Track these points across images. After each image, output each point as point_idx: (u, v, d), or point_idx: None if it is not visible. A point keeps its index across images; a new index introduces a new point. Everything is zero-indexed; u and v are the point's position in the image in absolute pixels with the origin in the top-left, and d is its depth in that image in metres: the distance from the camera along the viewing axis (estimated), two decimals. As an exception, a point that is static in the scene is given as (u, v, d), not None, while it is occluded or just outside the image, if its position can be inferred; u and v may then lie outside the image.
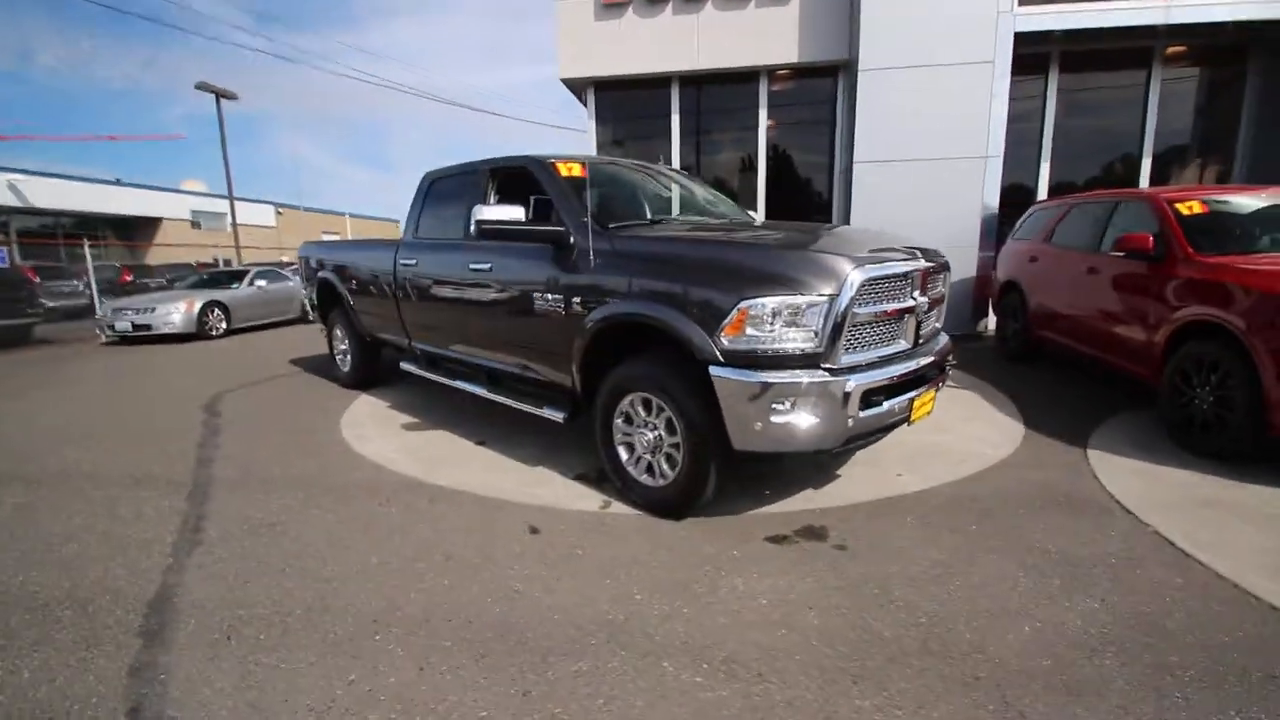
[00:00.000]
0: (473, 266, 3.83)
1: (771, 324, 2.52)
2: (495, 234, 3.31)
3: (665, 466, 2.95)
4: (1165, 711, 1.70)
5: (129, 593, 2.36)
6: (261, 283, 11.25)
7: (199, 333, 9.65)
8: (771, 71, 8.59)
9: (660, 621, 2.16)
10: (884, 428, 2.84)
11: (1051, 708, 1.73)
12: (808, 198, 9.04)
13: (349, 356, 5.72)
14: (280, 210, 34.87)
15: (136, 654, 2.01)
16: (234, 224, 19.85)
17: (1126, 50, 7.89)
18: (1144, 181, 8.16)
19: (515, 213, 3.32)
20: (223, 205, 32.82)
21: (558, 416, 3.44)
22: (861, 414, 2.63)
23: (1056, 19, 7.32)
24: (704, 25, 8.28)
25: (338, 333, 5.87)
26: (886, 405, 2.72)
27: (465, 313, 4.01)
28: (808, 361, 2.55)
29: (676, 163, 9.07)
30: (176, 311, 9.44)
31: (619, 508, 3.10)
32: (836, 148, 8.66)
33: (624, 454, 3.13)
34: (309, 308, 6.40)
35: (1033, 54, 7.76)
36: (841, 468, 3.55)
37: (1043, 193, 8.29)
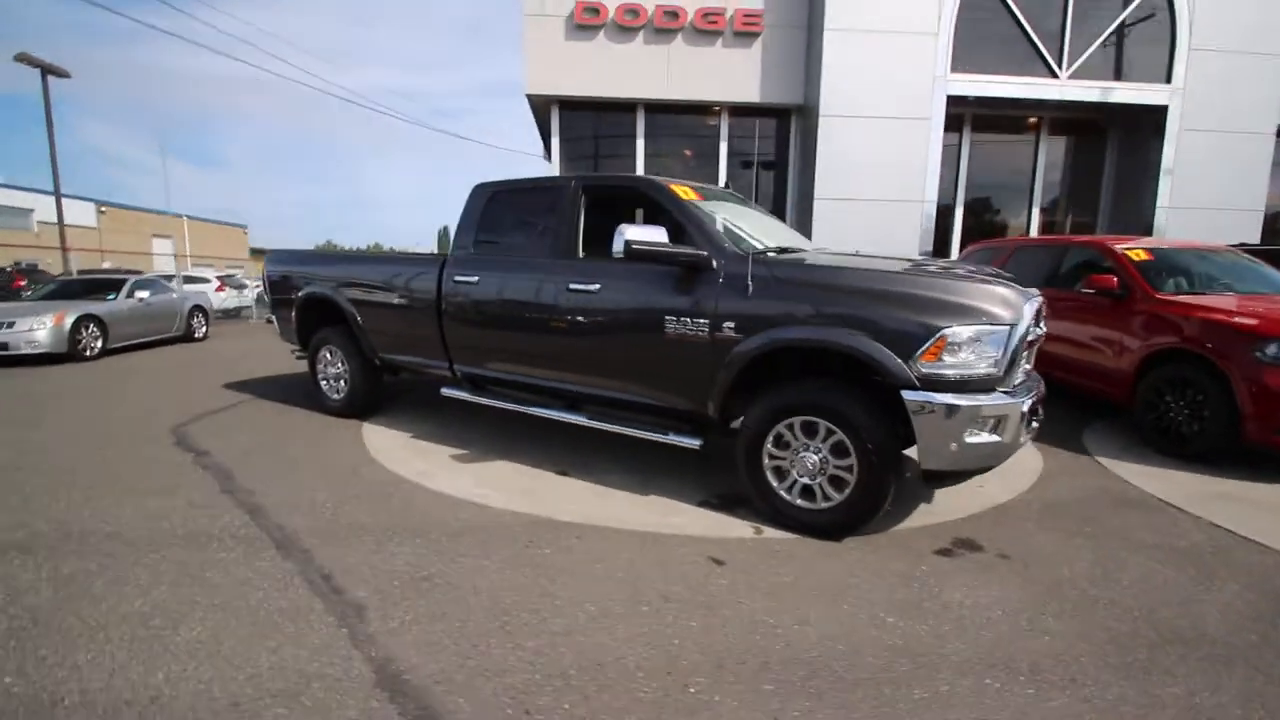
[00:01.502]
0: (573, 287, 3.65)
1: (965, 351, 2.71)
2: (640, 256, 3.20)
3: (830, 489, 3.01)
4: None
5: (341, 679, 1.95)
6: (143, 294, 9.58)
7: (70, 353, 7.98)
8: (733, 108, 9.06)
9: (935, 641, 2.22)
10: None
11: (1310, 678, 2.04)
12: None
13: (346, 381, 5.09)
14: (103, 209, 29.76)
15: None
16: (61, 223, 16.62)
17: (1022, 118, 9.38)
18: (1033, 228, 9.68)
19: (660, 235, 3.25)
20: (23, 199, 27.45)
21: (693, 443, 3.37)
22: (1024, 433, 2.91)
23: (976, 86, 8.52)
24: (674, 56, 8.55)
25: (327, 355, 5.21)
26: (1035, 424, 3.02)
27: (553, 335, 3.79)
28: (990, 385, 2.78)
29: (640, 187, 9.17)
30: (43, 327, 7.75)
31: (772, 532, 3.11)
32: (789, 184, 9.30)
33: (773, 479, 3.15)
34: (284, 330, 5.59)
35: (953, 114, 8.95)
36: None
37: (957, 233, 9.51)
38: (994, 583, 2.66)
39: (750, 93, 8.74)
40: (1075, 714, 1.86)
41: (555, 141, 9.05)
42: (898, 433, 2.89)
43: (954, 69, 8.34)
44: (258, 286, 17.96)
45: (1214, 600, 2.54)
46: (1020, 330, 2.79)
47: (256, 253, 39.06)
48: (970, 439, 2.72)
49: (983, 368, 2.74)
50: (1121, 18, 8.38)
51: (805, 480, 3.07)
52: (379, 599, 2.41)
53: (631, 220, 4.06)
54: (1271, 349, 3.97)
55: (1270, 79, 8.57)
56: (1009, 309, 2.79)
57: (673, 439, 3.43)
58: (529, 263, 3.94)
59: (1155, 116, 8.68)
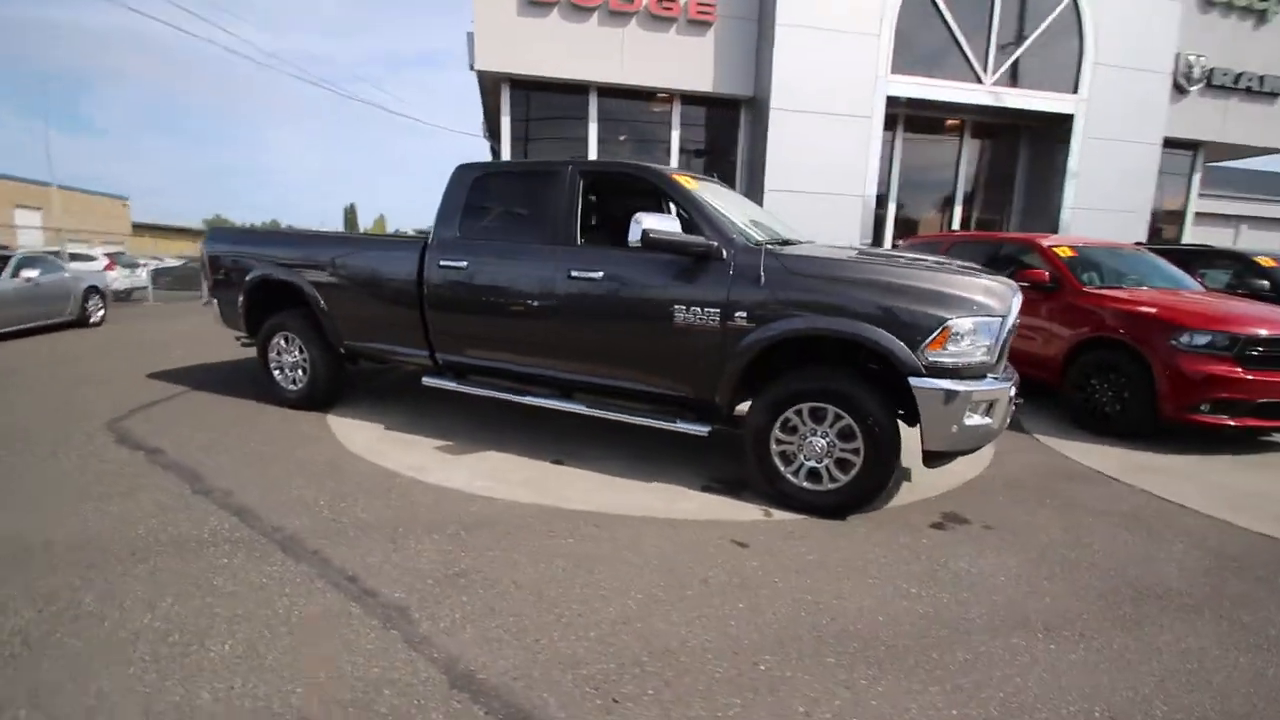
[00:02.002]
0: (575, 274, 3.60)
1: (965, 340, 2.93)
2: (657, 245, 3.20)
3: (837, 471, 3.18)
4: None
5: (412, 683, 1.88)
6: (30, 273, 8.47)
7: (-57, 340, 6.97)
8: (684, 96, 9.11)
9: (959, 607, 2.42)
10: (999, 426, 3.44)
11: (1248, 584, 2.39)
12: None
13: (306, 371, 4.77)
14: (-53, 173, 25.78)
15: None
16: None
17: (948, 119, 10.02)
18: (956, 222, 10.41)
19: (675, 224, 3.26)
20: None
21: (701, 430, 3.44)
22: (1008, 417, 3.18)
23: (911, 88, 9.01)
24: (628, 40, 8.48)
25: (281, 343, 4.85)
26: (1013, 408, 3.31)
27: (550, 322, 3.73)
28: (984, 371, 3.01)
29: (593, 172, 9.07)
30: (-91, 311, 6.70)
31: (780, 514, 3.24)
32: (738, 174, 9.49)
33: (780, 464, 3.28)
34: (227, 315, 5.14)
35: (889, 114, 9.43)
36: (910, 462, 4.10)
37: (890, 226, 10.07)
38: (988, 552, 2.91)
39: (703, 82, 8.82)
40: (1093, 664, 2.10)
41: (506, 120, 8.76)
42: (897, 416, 3.09)
43: (893, 70, 8.78)
44: (150, 265, 16.30)
45: (1168, 558, 2.91)
46: (1009, 321, 3.04)
47: (140, 228, 35.34)
48: (969, 422, 2.95)
49: (978, 356, 2.97)
50: (1037, 32, 9.11)
51: (812, 464, 3.21)
52: (418, 599, 2.32)
53: (628, 207, 4.04)
54: (1185, 337, 4.52)
55: (1157, 93, 9.63)
56: (1000, 301, 3.03)
57: (680, 426, 3.48)
58: (524, 248, 3.83)
59: (1063, 124, 9.54)
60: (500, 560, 2.64)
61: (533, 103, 8.94)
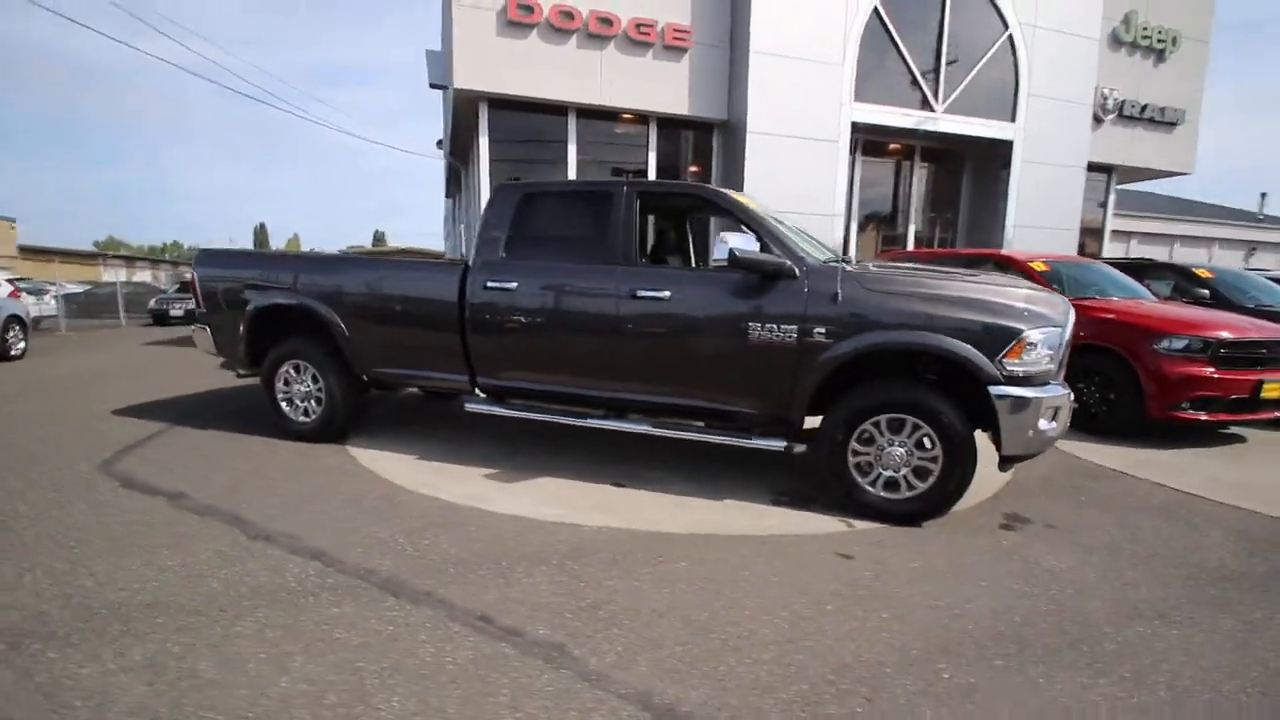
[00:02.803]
0: (641, 294, 3.58)
1: (1037, 350, 3.12)
2: (742, 265, 3.24)
3: (915, 480, 3.29)
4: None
5: None
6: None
7: None
8: (661, 118, 9.27)
9: (1077, 601, 2.55)
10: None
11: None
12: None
13: (322, 401, 4.47)
14: None
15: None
16: None
17: (902, 144, 10.68)
18: (910, 240, 11.06)
19: (754, 244, 3.31)
20: None
21: (778, 446, 3.47)
22: (1068, 422, 3.40)
23: (871, 114, 9.55)
24: (607, 63, 8.56)
25: (291, 372, 4.53)
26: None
27: (612, 343, 3.68)
28: (1049, 379, 3.22)
29: (573, 192, 9.05)
30: None
31: (861, 524, 3.31)
32: (713, 193, 9.71)
33: (856, 475, 3.36)
34: (221, 345, 4.75)
35: (851, 138, 9.95)
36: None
37: (852, 245, 10.57)
38: (1063, 549, 3.08)
39: (679, 105, 9.01)
40: (1217, 645, 2.26)
41: (484, 140, 8.60)
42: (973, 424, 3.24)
43: (855, 98, 9.29)
44: (58, 290, 14.79)
45: (1212, 544, 3.18)
46: (1068, 332, 3.27)
47: (27, 251, 32.00)
48: (1041, 426, 3.13)
49: (1044, 364, 3.17)
50: (979, 64, 9.90)
51: (889, 473, 3.31)
52: (567, 635, 2.21)
53: (677, 227, 4.07)
54: (1166, 342, 4.99)
55: (1081, 122, 10.66)
56: (1061, 314, 3.25)
57: (756, 442, 3.50)
58: (582, 269, 3.77)
59: (1004, 149, 10.38)
60: (624, 589, 2.56)
61: (511, 123, 8.84)
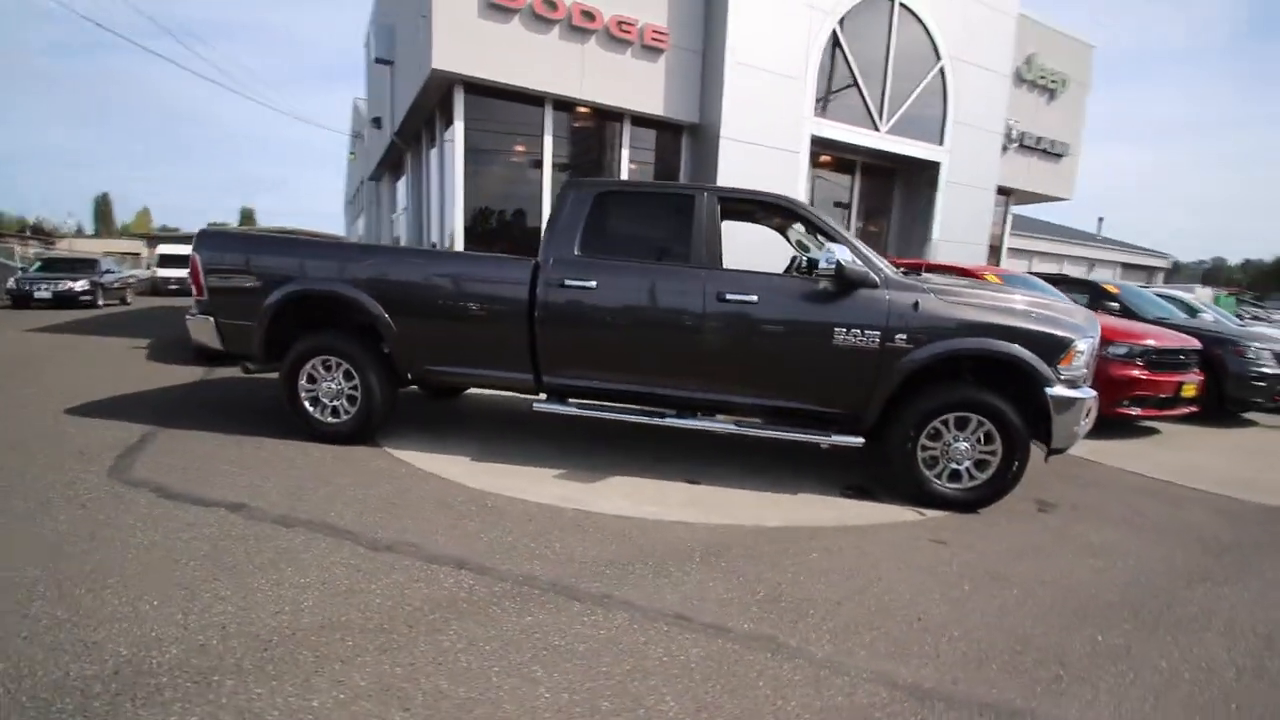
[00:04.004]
0: (730, 297, 3.70)
1: (1082, 357, 3.61)
2: (841, 274, 3.45)
3: (976, 471, 3.68)
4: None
5: (890, 706, 1.93)
6: None
7: None
8: (635, 117, 9.32)
9: (1144, 571, 3.01)
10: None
11: (1265, 531, 3.32)
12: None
13: (357, 400, 4.17)
14: None
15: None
16: None
17: (844, 159, 11.45)
18: (851, 249, 11.88)
19: (850, 255, 3.52)
20: None
21: (856, 442, 3.72)
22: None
23: (826, 129, 10.17)
24: (588, 57, 8.48)
25: (319, 369, 4.19)
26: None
27: (696, 343, 3.76)
28: (1083, 382, 3.72)
29: (548, 186, 8.91)
30: None
31: (930, 512, 3.65)
32: (681, 194, 9.92)
33: (925, 468, 3.70)
34: (230, 337, 4.28)
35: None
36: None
37: (801, 250, 11.20)
38: (1099, 526, 3.59)
39: (655, 105, 9.09)
40: (1262, 597, 2.78)
41: (459, 125, 8.20)
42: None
43: (815, 112, 9.86)
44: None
45: (1198, 519, 3.84)
46: (1097, 340, 3.79)
47: None
48: (1085, 422, 3.62)
49: (1084, 370, 3.67)
50: (916, 92, 10.84)
51: (954, 466, 3.68)
52: (770, 627, 2.31)
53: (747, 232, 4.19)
54: (1111, 349, 5.83)
55: (993, 149, 11.98)
56: (1094, 325, 3.77)
57: (835, 439, 3.74)
58: (668, 270, 3.82)
59: (932, 169, 11.44)
60: (783, 581, 2.69)
61: (484, 109, 8.51)
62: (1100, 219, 29.88)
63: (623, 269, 3.87)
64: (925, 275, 3.98)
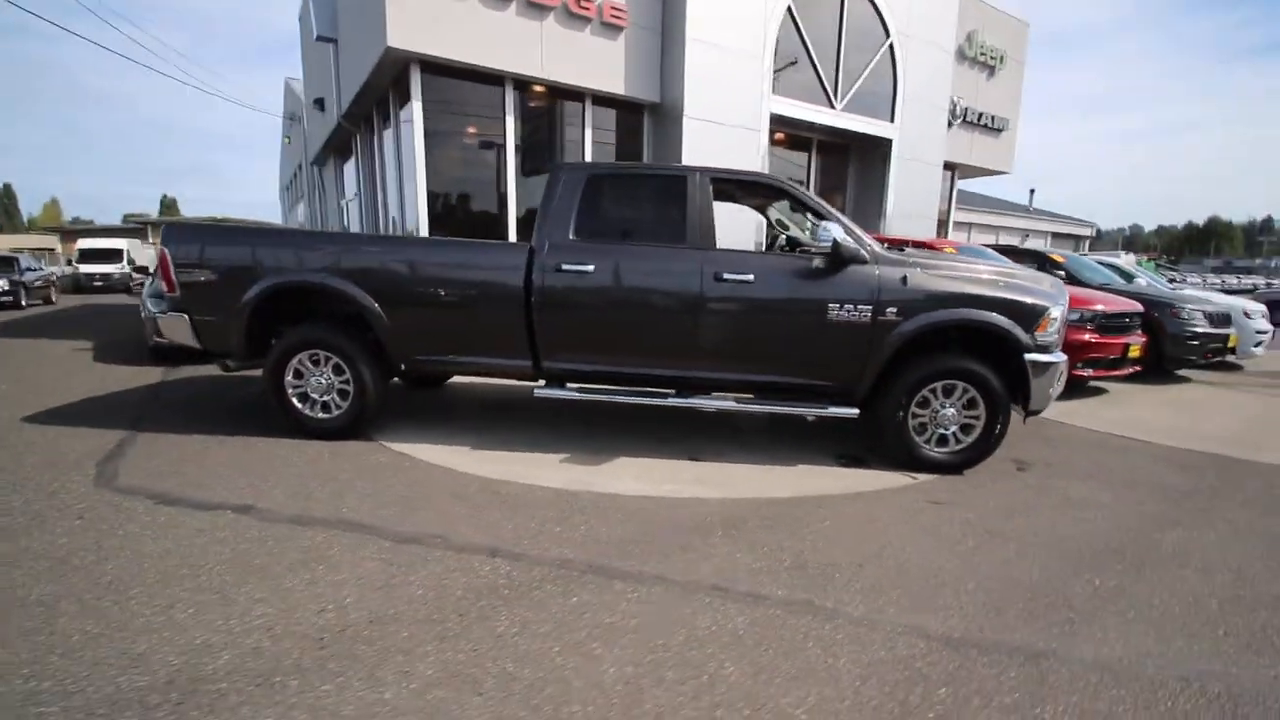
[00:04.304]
0: (727, 276, 3.77)
1: (1055, 324, 3.85)
2: (838, 251, 3.57)
3: (962, 435, 3.90)
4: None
5: (997, 657, 2.08)
6: None
7: None
8: (596, 96, 9.22)
9: (1117, 516, 3.29)
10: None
11: (1210, 478, 3.67)
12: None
13: (347, 394, 4.08)
14: None
15: None
16: None
17: (800, 136, 11.65)
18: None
19: (842, 233, 3.64)
20: None
21: (852, 413, 3.88)
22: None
23: (785, 107, 10.31)
24: (546, 35, 8.32)
25: (306, 364, 4.07)
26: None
27: (695, 323, 3.83)
28: (1054, 348, 3.97)
29: (511, 167, 8.74)
30: None
31: (922, 476, 3.86)
32: (645, 174, 9.90)
33: (914, 434, 3.91)
34: (207, 334, 4.09)
35: (764, 127, 10.66)
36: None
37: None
38: (1073, 480, 3.88)
39: (616, 84, 9.00)
40: (1231, 538, 3.08)
41: (416, 106, 7.92)
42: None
43: (773, 91, 9.98)
44: None
45: (1151, 468, 4.19)
46: (1067, 307, 4.05)
47: None
48: (1057, 386, 3.88)
49: (1054, 336, 3.92)
50: (867, 70, 11.10)
51: (941, 431, 3.89)
52: (804, 592, 2.44)
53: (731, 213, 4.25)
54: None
55: (940, 125, 12.42)
56: (1063, 292, 4.02)
57: (833, 411, 3.89)
58: (664, 251, 3.86)
59: (884, 146, 11.77)
60: (805, 548, 2.81)
61: (440, 89, 8.26)
62: (1032, 191, 31.39)
63: (619, 252, 3.88)
64: (908, 250, 4.15)
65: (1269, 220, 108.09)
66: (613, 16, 8.73)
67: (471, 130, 8.80)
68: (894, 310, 3.74)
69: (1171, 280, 17.98)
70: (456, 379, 5.90)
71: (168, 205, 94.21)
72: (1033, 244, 28.01)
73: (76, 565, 2.48)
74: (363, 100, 9.69)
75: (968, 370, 3.77)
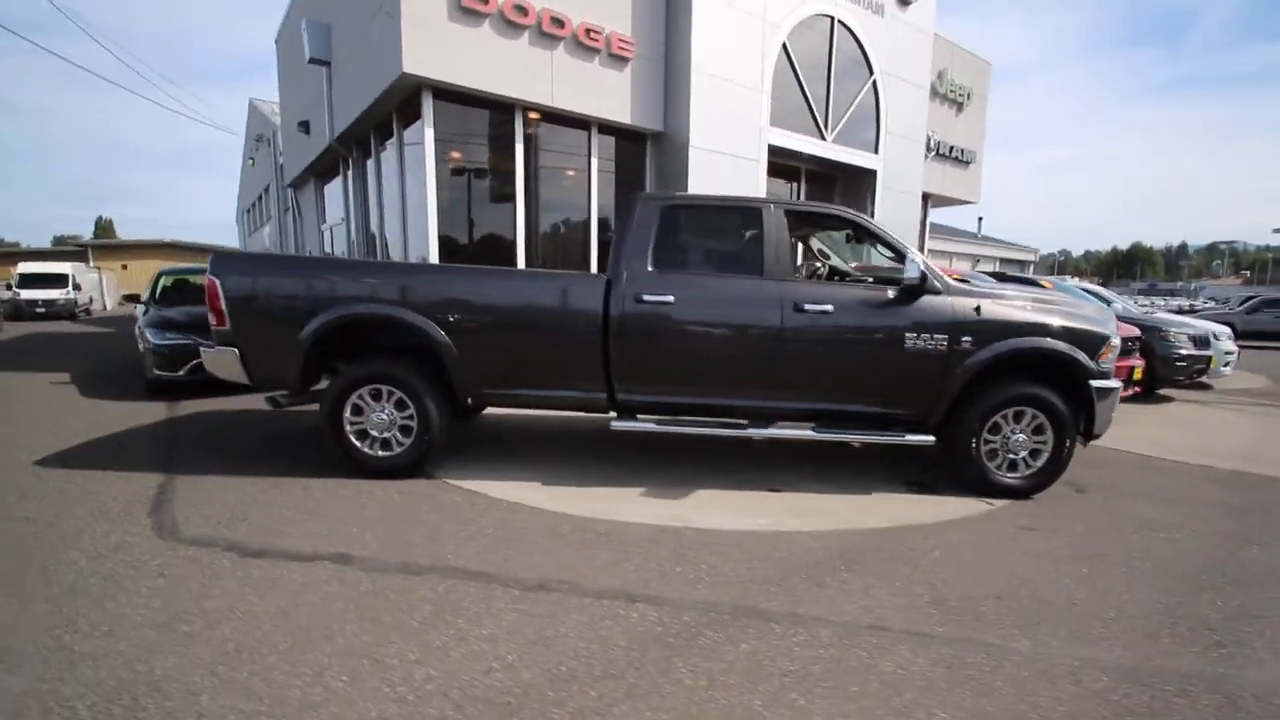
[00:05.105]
0: (808, 307, 3.80)
1: (1115, 351, 4.02)
2: (924, 282, 3.64)
3: (1033, 460, 4.00)
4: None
5: (1174, 677, 2.08)
6: None
7: None
8: (602, 125, 9.26)
9: (1196, 537, 3.40)
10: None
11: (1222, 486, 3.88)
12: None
13: (414, 430, 3.89)
14: None
15: None
16: None
17: (790, 166, 11.98)
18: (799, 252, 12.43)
19: (925, 264, 3.72)
20: None
21: (928, 440, 3.93)
22: (1110, 405, 4.38)
23: (780, 138, 10.60)
24: (558, 64, 8.35)
25: (367, 399, 3.88)
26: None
27: (775, 353, 3.83)
28: (1109, 374, 4.14)
29: (521, 195, 8.67)
30: None
31: (998, 502, 3.92)
32: (648, 202, 9.97)
33: (986, 460, 3.98)
34: (257, 366, 3.85)
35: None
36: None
37: (756, 254, 11.59)
38: (1136, 502, 4.01)
39: (623, 114, 9.07)
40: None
41: (429, 132, 7.77)
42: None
43: (771, 122, 10.25)
44: None
45: (1202, 487, 4.38)
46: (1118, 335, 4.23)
47: None
48: (1114, 412, 4.04)
49: (1112, 362, 4.09)
50: (854, 104, 11.54)
51: (1012, 456, 3.98)
52: (958, 628, 2.42)
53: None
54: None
55: (919, 157, 12.98)
56: (1113, 320, 4.20)
57: (910, 439, 3.92)
58: (746, 282, 3.85)
59: (870, 176, 12.21)
60: (933, 580, 2.80)
61: (454, 116, 8.15)
62: (980, 219, 33.09)
63: (699, 283, 3.87)
64: (971, 280, 4.27)
65: (1184, 246, 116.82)
66: (621, 48, 8.83)
67: (480, 158, 8.69)
68: (969, 339, 3.82)
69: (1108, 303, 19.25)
70: (491, 410, 5.72)
71: (103, 227, 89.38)
72: (983, 269, 29.35)
73: (186, 631, 2.25)
74: (361, 124, 9.47)
75: (1037, 397, 3.88)
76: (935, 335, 3.81)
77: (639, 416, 4.03)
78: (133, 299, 7.33)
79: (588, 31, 8.47)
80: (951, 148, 14.64)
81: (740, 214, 4.04)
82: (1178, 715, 1.94)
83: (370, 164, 10.22)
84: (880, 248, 4.11)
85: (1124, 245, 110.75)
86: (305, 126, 11.79)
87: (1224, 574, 2.97)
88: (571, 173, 9.36)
